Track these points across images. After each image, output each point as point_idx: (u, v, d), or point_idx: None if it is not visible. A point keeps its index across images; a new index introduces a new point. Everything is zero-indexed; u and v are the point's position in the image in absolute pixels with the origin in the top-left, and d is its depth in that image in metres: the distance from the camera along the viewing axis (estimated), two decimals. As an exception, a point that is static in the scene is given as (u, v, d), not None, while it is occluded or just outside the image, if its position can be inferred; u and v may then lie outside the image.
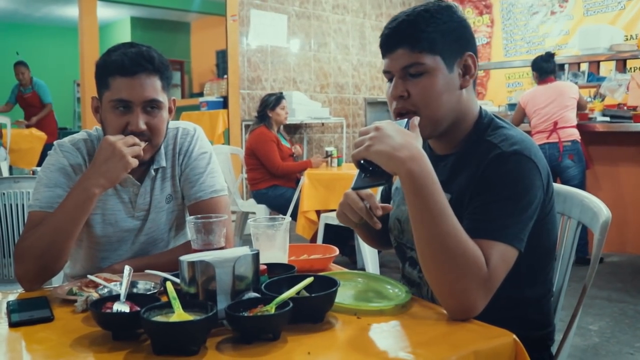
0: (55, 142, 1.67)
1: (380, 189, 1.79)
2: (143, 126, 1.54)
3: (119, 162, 1.46)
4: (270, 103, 4.89)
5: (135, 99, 1.53)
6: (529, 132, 4.59)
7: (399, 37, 1.32)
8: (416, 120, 1.25)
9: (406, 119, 1.26)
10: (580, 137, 4.64)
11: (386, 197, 1.66)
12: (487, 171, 1.25)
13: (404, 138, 1.17)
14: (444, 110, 1.32)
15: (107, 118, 1.58)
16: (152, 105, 1.56)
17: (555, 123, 4.62)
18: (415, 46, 1.29)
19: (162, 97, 1.58)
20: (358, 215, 1.39)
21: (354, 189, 1.23)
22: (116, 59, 1.54)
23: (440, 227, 1.14)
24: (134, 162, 1.48)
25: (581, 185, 4.51)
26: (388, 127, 1.18)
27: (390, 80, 1.37)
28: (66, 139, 1.67)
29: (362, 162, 1.20)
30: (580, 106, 4.78)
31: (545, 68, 4.81)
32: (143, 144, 1.51)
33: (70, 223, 1.48)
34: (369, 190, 1.39)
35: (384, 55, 1.36)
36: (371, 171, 1.19)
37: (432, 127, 1.33)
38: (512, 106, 5.59)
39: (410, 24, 1.31)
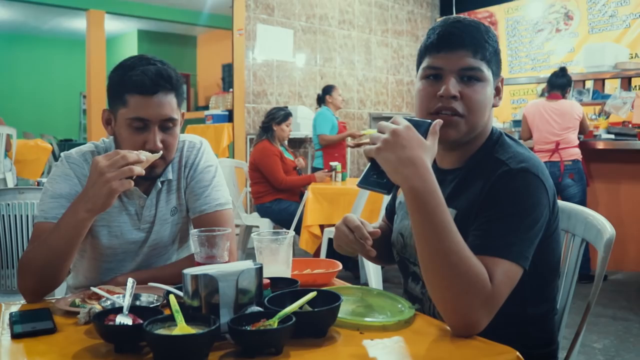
0: (62, 154, 1.67)
1: (384, 202, 1.79)
2: (160, 144, 1.55)
3: (102, 188, 1.35)
4: (278, 117, 4.89)
5: (153, 117, 1.54)
6: (531, 149, 4.58)
7: (466, 38, 1.31)
8: (438, 125, 1.22)
9: (429, 121, 1.22)
10: (581, 156, 4.64)
11: (390, 211, 1.66)
12: (494, 188, 1.25)
13: (414, 151, 1.14)
14: (483, 121, 1.35)
15: (122, 135, 1.57)
16: (168, 123, 1.58)
17: (557, 143, 4.62)
18: (479, 52, 1.31)
19: (177, 115, 1.60)
20: (352, 246, 1.44)
21: (359, 185, 1.23)
22: (137, 79, 1.52)
23: (443, 244, 1.13)
24: (122, 186, 1.36)
25: (582, 204, 4.49)
26: (403, 135, 1.15)
27: (429, 77, 1.34)
28: (73, 151, 1.68)
29: (373, 158, 1.19)
30: (584, 129, 4.76)
31: (554, 83, 4.78)
32: (137, 169, 1.38)
33: (64, 244, 1.44)
34: (358, 222, 1.44)
35: (437, 51, 1.32)
36: (379, 172, 1.18)
37: (468, 133, 1.33)
38: (516, 122, 5.59)
39: (477, 31, 1.32)
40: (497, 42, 1.36)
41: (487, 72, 1.32)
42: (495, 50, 1.35)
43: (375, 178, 1.20)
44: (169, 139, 1.58)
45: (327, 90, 5.84)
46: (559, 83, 4.78)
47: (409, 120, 1.19)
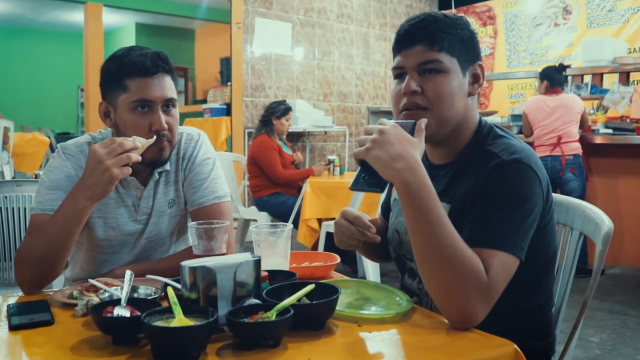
0: (58, 145, 1.67)
1: (381, 200, 1.80)
2: (165, 125, 1.57)
3: (102, 176, 1.36)
4: (279, 111, 4.88)
5: (156, 98, 1.57)
6: (531, 144, 4.58)
7: (420, 33, 1.32)
8: (423, 123, 1.24)
9: (413, 121, 1.25)
10: (582, 151, 4.64)
11: (386, 209, 1.66)
12: (488, 180, 1.25)
13: (404, 147, 1.17)
14: (453, 112, 1.33)
15: (125, 121, 1.58)
16: (169, 104, 1.60)
17: (559, 137, 4.62)
18: (435, 44, 1.31)
19: (176, 96, 1.64)
20: (355, 238, 1.44)
21: (351, 188, 1.24)
22: (136, 60, 1.55)
23: (437, 237, 1.14)
24: (121, 173, 1.37)
25: (582, 198, 4.50)
26: (391, 133, 1.18)
27: (398, 77, 1.36)
28: (70, 142, 1.67)
29: (363, 160, 1.20)
30: (583, 123, 4.77)
31: (557, 79, 4.81)
32: (135, 156, 1.39)
33: (63, 234, 1.43)
34: (356, 212, 1.45)
35: (399, 51, 1.35)
36: (370, 173, 1.20)
37: (439, 127, 1.32)
38: (515, 117, 5.59)
39: (433, 23, 1.32)
40: (464, 29, 1.35)
41: (449, 62, 1.31)
42: (461, 38, 1.33)
43: (367, 179, 1.21)
44: (171, 120, 1.61)
45: None
46: (562, 79, 4.83)
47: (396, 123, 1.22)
